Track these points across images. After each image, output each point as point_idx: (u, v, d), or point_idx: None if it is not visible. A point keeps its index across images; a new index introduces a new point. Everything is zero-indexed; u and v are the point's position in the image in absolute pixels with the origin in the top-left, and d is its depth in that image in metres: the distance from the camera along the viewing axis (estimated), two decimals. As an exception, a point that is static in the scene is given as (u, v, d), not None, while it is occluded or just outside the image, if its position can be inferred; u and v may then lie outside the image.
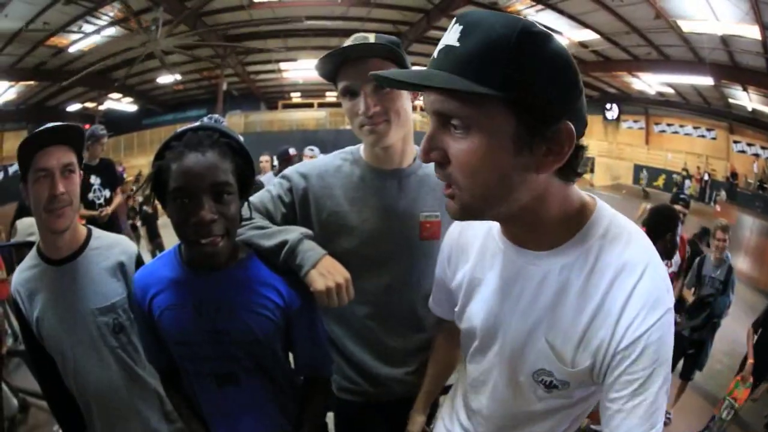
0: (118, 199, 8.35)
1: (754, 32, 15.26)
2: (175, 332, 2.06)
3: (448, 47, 1.28)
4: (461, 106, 1.27)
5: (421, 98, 1.46)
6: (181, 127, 1.96)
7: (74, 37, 19.30)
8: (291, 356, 2.28)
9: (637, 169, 25.01)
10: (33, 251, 2.53)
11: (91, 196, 7.85)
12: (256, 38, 23.37)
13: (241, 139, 2.09)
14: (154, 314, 2.09)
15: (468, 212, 1.43)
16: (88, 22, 18.70)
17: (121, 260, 2.56)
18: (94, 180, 7.89)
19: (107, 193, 8.05)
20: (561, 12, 18.97)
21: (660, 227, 4.61)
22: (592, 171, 26.23)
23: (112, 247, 2.59)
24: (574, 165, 1.40)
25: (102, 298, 2.48)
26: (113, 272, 2.54)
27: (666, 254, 4.75)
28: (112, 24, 19.30)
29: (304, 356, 2.24)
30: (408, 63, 2.21)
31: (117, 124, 22.97)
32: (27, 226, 4.25)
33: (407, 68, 2.15)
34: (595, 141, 26.78)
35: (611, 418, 1.44)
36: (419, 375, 2.48)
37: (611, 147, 26.37)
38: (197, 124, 2.01)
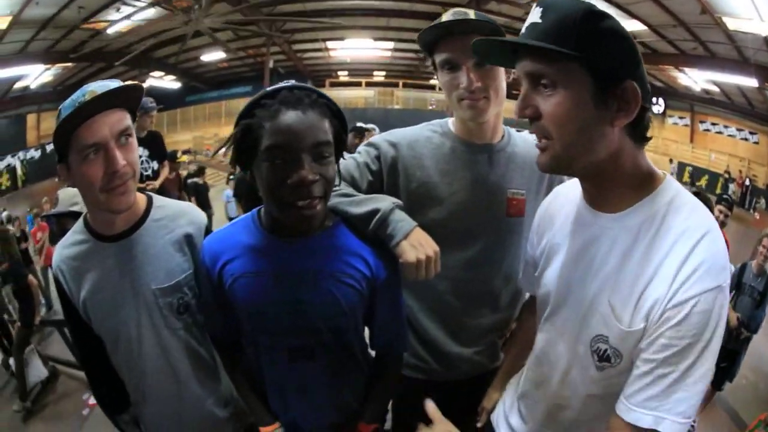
0: (165, 171, 8.29)
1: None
2: (251, 302, 1.95)
3: (532, 24, 1.50)
4: (548, 67, 1.48)
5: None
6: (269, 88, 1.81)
7: (112, 18, 19.56)
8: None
9: (682, 167, 24.37)
10: (78, 225, 2.24)
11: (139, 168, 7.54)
12: (302, 17, 23.28)
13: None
14: (225, 283, 2.00)
15: (557, 162, 1.57)
16: (126, 3, 18.92)
17: (188, 232, 2.25)
18: (142, 152, 7.63)
19: (155, 165, 7.95)
20: (610, 2, 18.51)
21: None
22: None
23: (177, 217, 2.27)
24: (643, 127, 1.56)
25: (165, 276, 2.18)
26: (179, 246, 2.23)
27: None
28: (151, 5, 19.50)
29: (383, 331, 2.15)
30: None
31: (159, 101, 22.87)
32: (70, 196, 4.02)
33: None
34: None
35: (636, 379, 1.51)
36: (486, 355, 2.54)
37: (657, 142, 25.64)
38: (288, 84, 1.83)
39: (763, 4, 14.89)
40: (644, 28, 19.49)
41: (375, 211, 2.03)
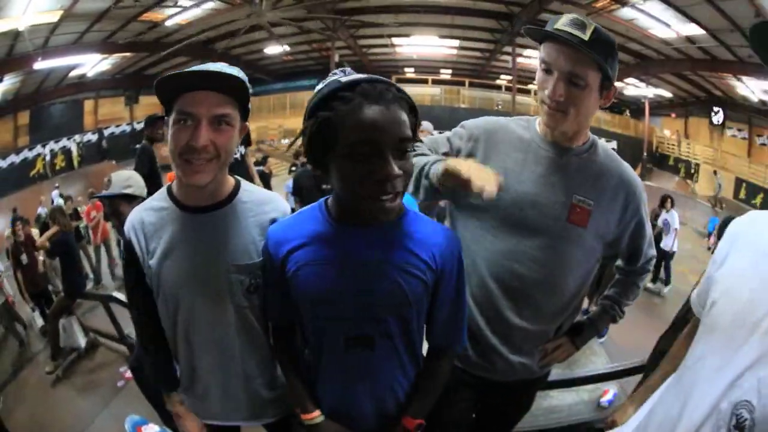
0: (251, 157, 8.80)
1: None
2: (315, 290, 1.99)
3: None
4: None
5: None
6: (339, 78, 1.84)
7: (170, 11, 20.13)
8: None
9: (738, 182, 23.03)
10: (161, 193, 2.37)
11: None
12: (367, 12, 23.61)
13: None
14: (289, 269, 2.04)
15: None
16: None
17: (273, 217, 2.32)
18: None
19: (243, 149, 8.23)
20: (667, 2, 18.25)
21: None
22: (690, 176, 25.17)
23: (263, 203, 2.36)
24: None
25: (245, 255, 2.26)
26: (261, 230, 2.29)
27: None
28: None
29: (442, 324, 2.15)
30: (610, 72, 2.27)
31: None
32: (124, 179, 4.24)
33: (612, 68, 2.27)
34: (701, 146, 25.31)
35: None
36: (522, 359, 2.56)
37: (716, 155, 24.48)
38: (362, 76, 1.86)
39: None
40: (701, 31, 19.00)
41: (423, 163, 2.27)
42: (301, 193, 7.95)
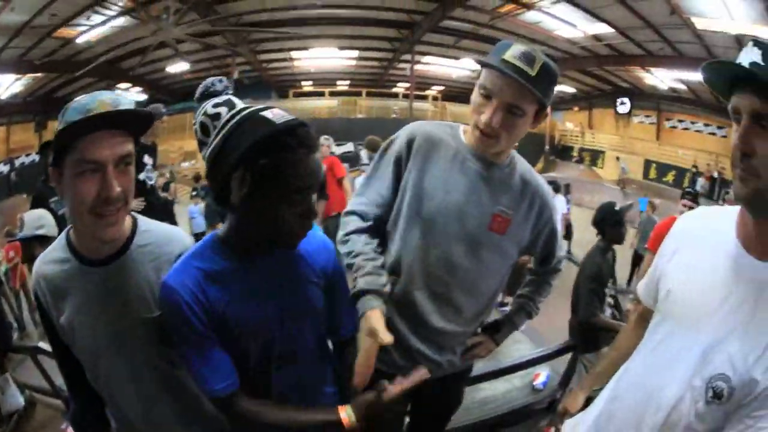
0: (159, 183, 7.94)
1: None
2: (244, 324, 1.93)
3: (756, 63, 1.49)
4: None
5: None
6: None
7: (83, 27, 19.29)
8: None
9: (648, 164, 24.99)
10: (60, 241, 2.06)
11: (142, 176, 7.23)
12: (268, 26, 23.24)
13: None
14: (216, 313, 1.89)
15: (759, 197, 1.56)
16: (96, 12, 18.69)
17: (174, 257, 2.05)
18: (147, 160, 7.36)
19: (155, 175, 7.71)
20: (576, 5, 19.10)
21: (603, 222, 5.20)
22: (595, 164, 26.75)
23: (164, 243, 2.10)
24: None
25: (147, 308, 1.99)
26: (164, 275, 1.98)
27: (616, 241, 5.23)
28: (121, 14, 19.28)
29: (343, 316, 2.21)
30: (548, 102, 2.29)
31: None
32: (35, 219, 4.07)
33: (550, 98, 2.29)
34: (606, 134, 27.18)
35: (745, 430, 1.63)
36: (446, 358, 2.61)
37: (623, 141, 26.47)
38: (288, 118, 1.79)
39: (733, 4, 15.45)
40: (611, 30, 20.07)
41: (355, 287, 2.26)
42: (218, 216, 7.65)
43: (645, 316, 2.20)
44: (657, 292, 2.03)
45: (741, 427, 1.65)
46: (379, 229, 2.51)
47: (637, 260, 11.60)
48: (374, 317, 2.14)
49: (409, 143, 2.48)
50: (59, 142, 1.76)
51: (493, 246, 2.47)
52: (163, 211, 8.75)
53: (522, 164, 2.55)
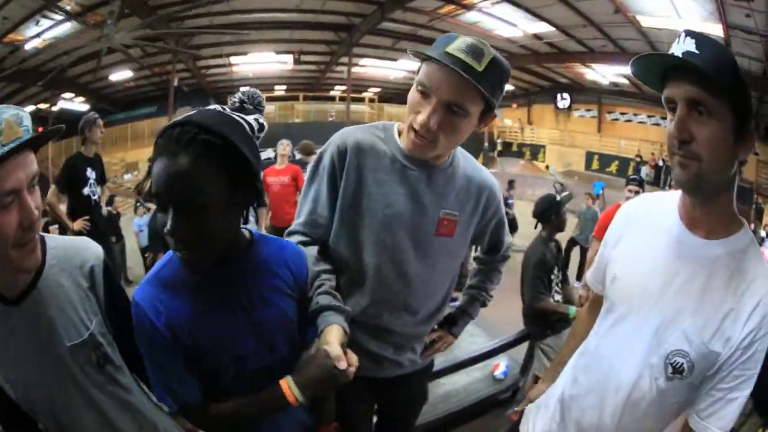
0: (105, 198, 7.64)
1: (717, 31, 15.66)
2: (215, 339, 1.85)
3: (690, 52, 1.58)
4: (709, 95, 1.57)
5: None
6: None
7: (31, 33, 18.82)
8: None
9: (590, 155, 25.60)
10: None
11: (86, 190, 6.98)
12: (207, 31, 23.08)
13: (249, 125, 1.80)
14: (179, 327, 1.82)
15: (699, 181, 1.65)
16: (45, 16, 18.23)
17: (86, 270, 1.93)
18: (90, 173, 7.02)
19: (99, 190, 7.19)
20: (517, 5, 19.31)
21: (545, 213, 5.38)
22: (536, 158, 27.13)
23: (71, 256, 1.93)
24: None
25: (76, 330, 1.86)
26: (82, 291, 1.91)
27: (557, 229, 5.41)
28: (68, 18, 18.86)
29: (312, 329, 2.08)
30: (495, 103, 2.09)
31: (72, 123, 21.83)
32: None
33: (498, 97, 2.09)
34: (546, 129, 27.73)
35: (714, 403, 1.74)
36: (407, 358, 2.57)
37: (563, 135, 27.03)
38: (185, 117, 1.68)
39: (681, 3, 15.89)
40: (552, 29, 20.39)
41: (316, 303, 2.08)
42: (163, 240, 7.42)
43: (597, 302, 2.27)
44: (605, 279, 2.12)
45: (711, 400, 1.74)
46: (323, 247, 2.36)
47: (570, 248, 11.81)
48: (331, 333, 1.98)
49: (341, 155, 2.28)
50: None
51: (443, 249, 2.39)
52: (108, 226, 8.75)
53: (464, 159, 2.42)
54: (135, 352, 1.92)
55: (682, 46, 1.60)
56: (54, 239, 1.92)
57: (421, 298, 2.46)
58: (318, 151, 2.38)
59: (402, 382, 2.62)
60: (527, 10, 19.45)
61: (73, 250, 1.94)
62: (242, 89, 1.97)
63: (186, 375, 1.88)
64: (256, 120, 1.85)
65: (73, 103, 24.34)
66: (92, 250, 1.99)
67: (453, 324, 2.77)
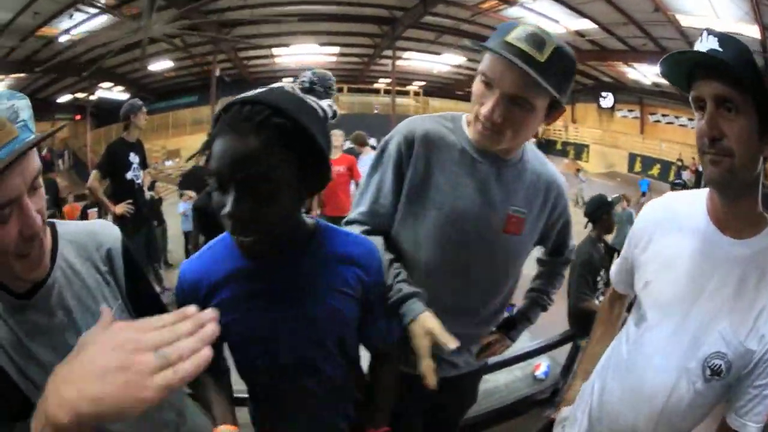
0: (147, 181, 7.92)
1: (753, 32, 15.54)
2: (247, 328, 1.81)
3: (714, 50, 1.57)
4: (736, 92, 1.57)
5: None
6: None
7: (64, 26, 19.04)
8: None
9: (632, 157, 25.24)
10: None
11: (130, 175, 7.12)
12: (249, 23, 23.24)
13: (322, 110, 1.73)
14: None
15: (731, 177, 1.64)
16: (78, 10, 18.40)
17: (104, 255, 1.84)
18: (133, 158, 7.17)
19: (142, 174, 7.36)
20: (559, 1, 19.17)
21: (596, 213, 5.45)
22: (580, 157, 26.81)
23: (88, 242, 1.82)
24: None
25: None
26: (101, 275, 1.82)
27: (607, 231, 5.52)
28: (102, 12, 19.01)
29: (380, 331, 2.04)
30: (562, 98, 1.99)
31: (109, 113, 21.77)
32: None
33: (566, 91, 2.01)
34: (588, 128, 27.35)
35: (751, 400, 1.74)
36: (463, 359, 2.53)
37: (605, 135, 26.68)
38: (257, 92, 1.62)
39: (718, 3, 15.63)
40: (594, 26, 20.16)
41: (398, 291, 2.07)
42: (207, 222, 7.02)
43: (617, 297, 2.42)
44: (631, 280, 2.15)
45: (747, 398, 1.75)
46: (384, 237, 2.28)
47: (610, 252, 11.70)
48: (430, 319, 1.98)
49: (408, 144, 2.22)
50: None
51: (509, 248, 2.32)
52: (150, 211, 8.69)
53: (533, 155, 2.35)
54: None
55: (705, 45, 1.60)
56: (65, 225, 1.82)
57: (482, 298, 2.41)
58: (384, 139, 2.32)
59: (456, 383, 2.55)
60: (568, 6, 19.24)
61: (87, 234, 1.84)
62: (314, 70, 1.88)
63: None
64: (330, 106, 1.80)
65: (111, 92, 24.66)
66: (109, 232, 1.90)
67: (512, 328, 2.70)
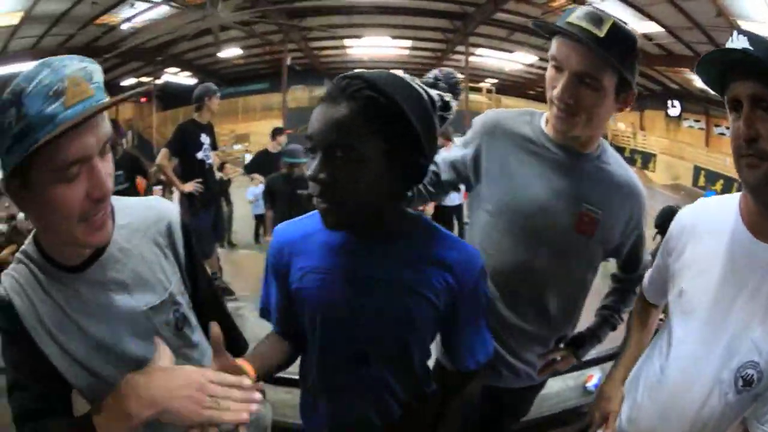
0: (216, 162, 8.41)
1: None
2: (317, 301, 1.88)
3: (746, 49, 1.53)
4: None
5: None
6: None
7: (126, 14, 19.62)
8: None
9: (697, 170, 24.07)
10: (29, 247, 1.67)
11: (200, 155, 7.56)
12: (319, 14, 23.44)
13: (429, 97, 1.76)
14: (292, 276, 1.93)
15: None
16: None
17: (165, 226, 1.87)
18: (204, 139, 7.61)
19: (212, 155, 7.90)
20: (626, 2, 18.61)
21: (666, 223, 5.16)
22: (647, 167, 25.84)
23: (146, 216, 1.85)
24: None
25: (153, 292, 1.79)
26: (159, 249, 1.85)
27: None
28: (164, 1, 19.52)
29: (467, 346, 2.02)
30: (628, 74, 2.09)
31: (175, 97, 23.63)
32: None
33: (632, 70, 2.11)
34: (656, 137, 26.33)
35: None
36: (525, 368, 2.53)
37: (672, 145, 25.59)
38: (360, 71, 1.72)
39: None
40: (660, 29, 19.43)
41: None
42: (273, 198, 7.99)
43: (647, 306, 2.41)
44: (664, 289, 2.13)
45: None
46: None
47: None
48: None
49: (486, 135, 2.36)
50: (20, 149, 1.34)
51: (581, 250, 2.32)
52: (219, 191, 9.43)
53: (614, 157, 2.37)
54: (210, 312, 1.97)
55: (737, 44, 1.56)
56: (121, 200, 1.82)
57: (547, 299, 2.39)
58: (474, 121, 2.44)
59: (513, 395, 2.63)
60: (635, 7, 18.62)
61: (145, 209, 1.89)
62: (441, 69, 1.97)
63: (280, 309, 2.04)
64: (440, 96, 1.82)
65: (177, 77, 25.65)
66: (167, 207, 1.95)
67: (579, 346, 2.67)
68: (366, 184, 1.65)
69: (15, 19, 16.56)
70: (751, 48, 1.51)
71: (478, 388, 2.16)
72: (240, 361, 1.76)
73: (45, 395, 1.65)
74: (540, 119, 2.34)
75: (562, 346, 2.62)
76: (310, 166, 1.66)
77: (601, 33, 1.96)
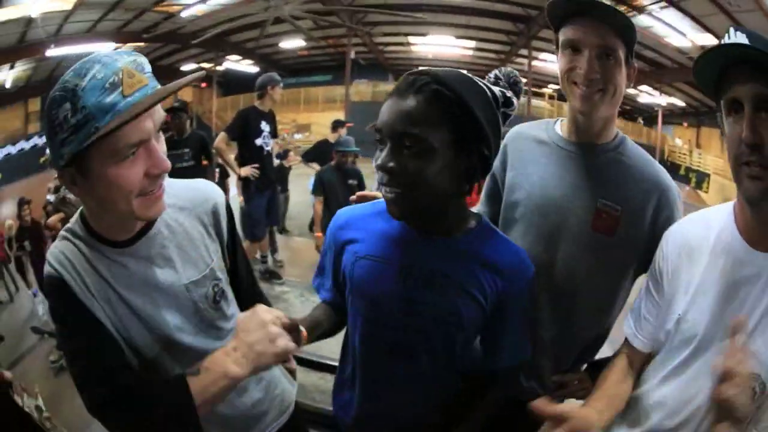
0: (276, 149, 8.80)
1: None
2: (367, 287, 1.97)
3: (741, 44, 1.56)
4: None
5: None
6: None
7: (185, 1, 19.92)
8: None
9: (748, 193, 23.27)
10: (77, 226, 1.78)
11: (259, 141, 7.93)
12: (384, 9, 23.21)
13: (492, 93, 1.85)
14: (345, 259, 2.04)
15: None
16: None
17: (208, 208, 2.01)
18: (264, 126, 7.98)
19: (272, 142, 8.25)
20: (684, 11, 18.07)
21: None
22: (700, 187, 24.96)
23: (193, 196, 2.00)
24: None
25: (195, 267, 1.92)
26: (203, 227, 1.99)
27: None
28: None
29: (507, 349, 2.05)
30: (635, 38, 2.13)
31: (236, 84, 24.44)
32: None
33: (634, 42, 2.14)
34: (712, 157, 25.20)
35: None
36: (544, 374, 2.43)
37: (726, 166, 24.53)
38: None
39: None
40: (717, 41, 18.98)
41: None
42: (324, 189, 8.05)
43: (629, 360, 2.09)
44: (654, 325, 1.98)
45: None
46: None
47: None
48: None
49: (507, 143, 2.42)
50: (84, 138, 1.48)
51: (600, 251, 2.21)
52: (276, 177, 9.66)
53: (633, 149, 2.28)
54: (245, 287, 2.19)
55: (735, 41, 1.57)
56: (172, 181, 1.90)
57: (566, 303, 2.31)
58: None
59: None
60: (692, 17, 18.05)
61: (192, 190, 2.03)
62: (502, 69, 2.16)
63: (329, 280, 2.17)
64: (502, 92, 1.92)
65: (238, 65, 26.06)
66: (213, 189, 2.09)
67: (598, 370, 2.35)
68: (432, 173, 1.72)
69: (68, 5, 17.00)
70: (749, 43, 1.49)
71: (500, 395, 2.13)
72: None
73: (116, 357, 1.74)
74: (555, 124, 2.38)
75: (584, 368, 2.51)
76: (379, 156, 1.74)
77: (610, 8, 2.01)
